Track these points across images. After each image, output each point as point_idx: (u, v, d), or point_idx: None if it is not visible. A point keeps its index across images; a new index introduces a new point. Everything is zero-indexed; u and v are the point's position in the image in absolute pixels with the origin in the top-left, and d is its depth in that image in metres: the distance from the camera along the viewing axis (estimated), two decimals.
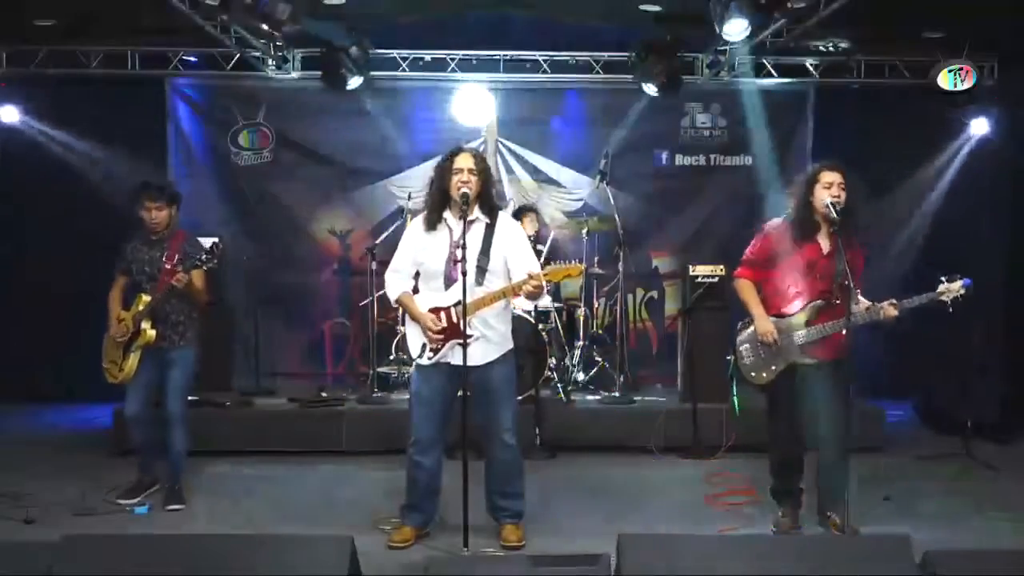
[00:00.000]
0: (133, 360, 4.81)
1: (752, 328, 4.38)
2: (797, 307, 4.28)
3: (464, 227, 4.03)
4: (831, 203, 4.14)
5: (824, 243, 4.28)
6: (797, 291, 4.28)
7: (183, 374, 4.91)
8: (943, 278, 4.11)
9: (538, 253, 6.82)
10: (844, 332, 4.12)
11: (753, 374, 4.38)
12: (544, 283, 4.04)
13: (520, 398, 5.61)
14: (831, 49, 7.33)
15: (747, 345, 4.40)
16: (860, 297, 4.25)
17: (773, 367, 4.31)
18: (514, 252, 4.19)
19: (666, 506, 4.97)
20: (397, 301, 4.31)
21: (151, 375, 4.87)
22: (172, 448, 4.92)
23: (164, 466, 4.99)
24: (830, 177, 4.22)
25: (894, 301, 4.13)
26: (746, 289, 4.41)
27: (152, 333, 4.78)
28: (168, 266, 4.81)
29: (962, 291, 4.08)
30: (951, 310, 4.08)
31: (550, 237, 7.31)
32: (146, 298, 4.80)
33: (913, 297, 4.13)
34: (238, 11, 5.65)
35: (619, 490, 5.29)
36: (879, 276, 4.35)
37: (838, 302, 4.16)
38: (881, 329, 4.38)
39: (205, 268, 4.79)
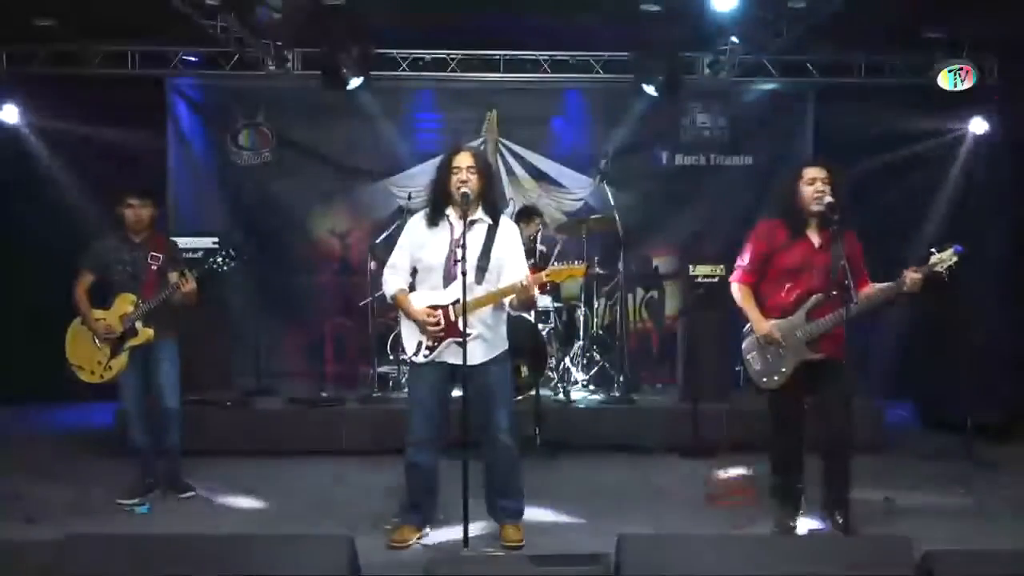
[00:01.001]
0: (124, 359, 4.84)
1: (754, 334, 4.37)
2: (795, 304, 4.27)
3: (465, 227, 4.04)
4: (828, 203, 4.15)
5: (815, 238, 4.28)
6: (794, 289, 4.28)
7: (173, 368, 4.96)
8: (933, 249, 4.10)
9: (540, 253, 6.85)
10: (843, 329, 4.13)
11: (764, 380, 4.33)
12: (535, 292, 4.05)
13: (520, 398, 5.63)
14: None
15: (753, 352, 4.37)
16: (869, 284, 4.23)
17: (783, 369, 4.28)
18: (509, 257, 4.19)
19: (666, 506, 4.97)
20: (393, 299, 4.30)
21: (139, 371, 4.91)
22: (170, 441, 5.00)
23: (162, 463, 5.05)
24: (812, 173, 4.24)
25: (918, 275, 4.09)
26: (743, 294, 4.39)
27: (150, 332, 4.83)
28: (155, 267, 4.86)
29: (955, 259, 4.04)
30: (947, 279, 4.06)
31: (559, 242, 7.25)
32: (131, 298, 4.82)
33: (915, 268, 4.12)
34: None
35: (619, 490, 5.29)
36: (878, 276, 4.35)
37: (835, 294, 4.16)
38: (884, 324, 4.38)
39: (222, 270, 4.85)
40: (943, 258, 4.07)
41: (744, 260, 4.42)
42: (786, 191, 4.34)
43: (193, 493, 5.02)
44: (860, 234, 4.38)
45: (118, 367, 4.84)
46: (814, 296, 4.22)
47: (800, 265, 4.26)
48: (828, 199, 4.16)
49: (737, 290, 4.42)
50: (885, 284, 4.17)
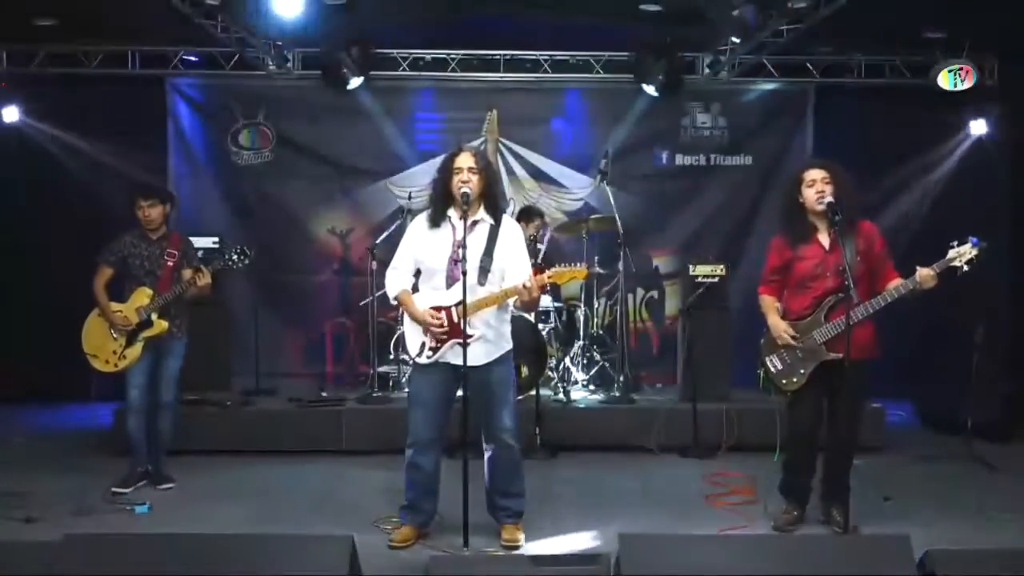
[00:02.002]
0: (138, 349, 5.06)
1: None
2: (814, 307, 4.29)
3: (466, 227, 4.04)
4: (828, 202, 4.16)
5: (825, 240, 4.30)
6: (812, 293, 4.30)
7: (177, 364, 5.19)
8: (953, 243, 4.08)
9: (539, 251, 6.85)
10: (870, 331, 4.18)
11: (784, 381, 4.36)
12: (540, 291, 4.05)
13: (520, 398, 5.63)
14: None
15: (773, 355, 4.40)
16: (896, 276, 4.24)
17: (802, 370, 4.30)
18: (512, 257, 4.19)
19: (666, 506, 4.97)
20: (396, 299, 4.30)
21: (149, 363, 5.11)
22: (162, 432, 5.19)
23: (152, 450, 5.21)
24: (812, 175, 4.27)
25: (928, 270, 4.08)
26: (765, 303, 4.48)
27: (164, 324, 5.07)
28: (170, 263, 5.08)
29: (974, 252, 4.02)
30: (967, 269, 4.03)
31: (547, 229, 7.30)
32: (148, 291, 5.04)
33: (933, 265, 4.11)
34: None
35: (619, 490, 5.29)
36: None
37: (852, 294, 4.16)
38: (884, 324, 4.39)
39: (236, 267, 5.14)
40: (961, 252, 4.04)
41: (765, 271, 4.52)
42: (789, 197, 4.38)
43: (172, 485, 5.17)
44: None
45: (131, 357, 5.06)
46: (831, 296, 4.23)
47: (815, 270, 4.29)
48: (828, 199, 4.18)
49: (761, 300, 4.52)
50: (903, 282, 4.16)
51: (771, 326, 4.39)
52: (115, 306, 5.07)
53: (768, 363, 4.40)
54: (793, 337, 4.28)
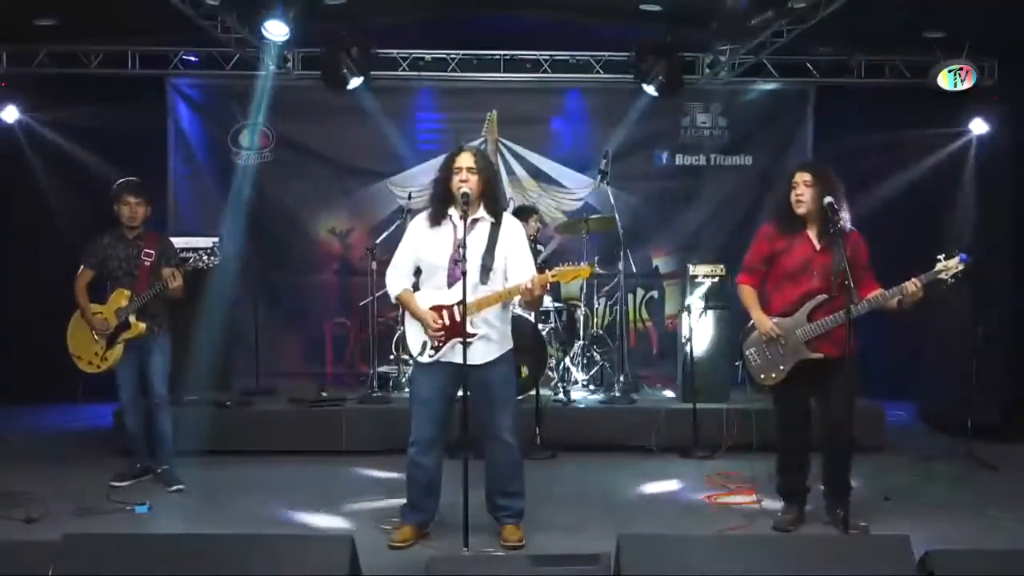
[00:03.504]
0: (119, 350, 5.06)
1: (755, 331, 4.41)
2: (798, 305, 4.30)
3: (466, 226, 4.04)
4: (828, 203, 4.18)
5: (815, 240, 4.31)
6: (796, 289, 4.31)
7: (164, 360, 5.18)
8: (940, 256, 4.12)
9: (538, 253, 6.85)
10: (849, 330, 4.15)
11: (763, 376, 4.39)
12: (543, 290, 4.05)
13: (520, 398, 5.63)
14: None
15: (753, 348, 4.42)
16: (875, 287, 4.26)
17: (782, 367, 4.33)
18: (514, 255, 4.19)
19: (666, 506, 4.97)
20: (397, 299, 4.30)
21: (134, 363, 5.12)
22: (160, 427, 5.18)
23: (158, 454, 5.21)
24: (796, 177, 4.33)
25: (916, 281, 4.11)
26: (746, 293, 4.48)
27: (142, 326, 5.06)
28: (147, 263, 5.07)
29: (960, 267, 4.07)
30: (951, 281, 4.08)
31: (555, 240, 7.31)
32: (126, 293, 5.04)
33: (920, 276, 4.13)
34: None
35: (619, 490, 5.28)
36: (878, 277, 4.37)
37: (836, 295, 4.18)
38: (884, 324, 4.40)
39: (206, 268, 5.08)
40: (948, 266, 4.08)
41: (748, 261, 4.52)
42: (781, 194, 4.44)
43: (182, 487, 5.12)
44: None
45: (113, 358, 5.07)
46: (816, 297, 4.24)
47: (801, 266, 4.31)
48: (804, 206, 4.24)
49: (741, 290, 4.52)
50: (890, 289, 4.18)
51: (756, 321, 4.40)
52: (95, 308, 5.08)
53: (748, 357, 4.44)
54: (778, 335, 4.29)
